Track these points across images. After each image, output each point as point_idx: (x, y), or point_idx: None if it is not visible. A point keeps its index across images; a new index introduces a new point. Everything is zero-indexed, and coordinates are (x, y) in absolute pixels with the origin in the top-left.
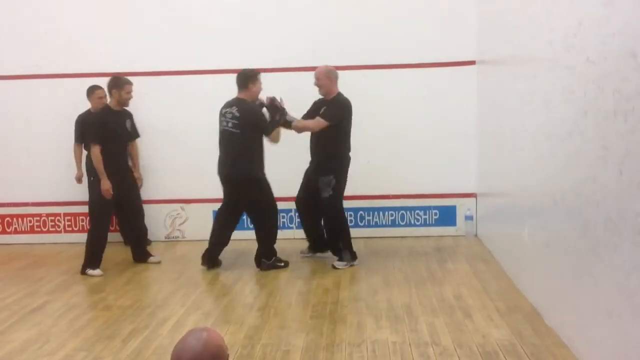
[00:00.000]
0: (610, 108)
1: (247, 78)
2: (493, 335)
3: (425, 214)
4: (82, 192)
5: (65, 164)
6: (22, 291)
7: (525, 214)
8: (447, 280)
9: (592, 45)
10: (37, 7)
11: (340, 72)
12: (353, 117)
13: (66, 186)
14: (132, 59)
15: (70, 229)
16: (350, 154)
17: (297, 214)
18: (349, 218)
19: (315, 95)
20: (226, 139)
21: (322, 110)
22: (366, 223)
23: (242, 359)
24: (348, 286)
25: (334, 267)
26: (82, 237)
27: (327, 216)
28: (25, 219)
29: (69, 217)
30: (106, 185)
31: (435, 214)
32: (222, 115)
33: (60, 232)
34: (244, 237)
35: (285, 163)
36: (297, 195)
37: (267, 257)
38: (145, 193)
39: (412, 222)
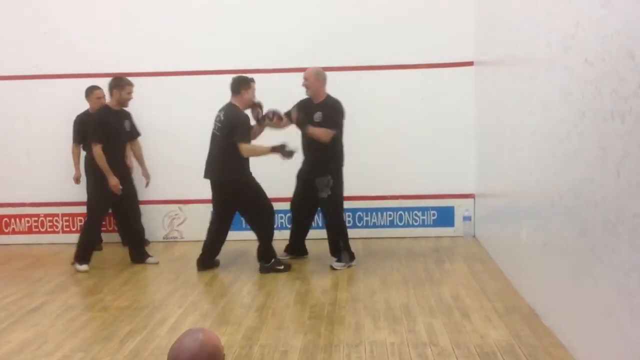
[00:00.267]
0: (608, 109)
1: (240, 84)
2: (491, 335)
3: (423, 215)
4: (80, 192)
5: (64, 165)
6: (20, 292)
7: (523, 214)
8: (445, 280)
9: (590, 46)
10: (37, 7)
11: (339, 73)
12: (351, 117)
13: (65, 187)
14: (132, 59)
15: (68, 229)
16: (349, 154)
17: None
18: (347, 219)
19: None
20: (211, 141)
21: (320, 117)
22: (364, 224)
23: (240, 359)
24: (346, 287)
25: (332, 268)
26: None
27: (327, 216)
28: (23, 219)
29: (67, 218)
30: (114, 181)
31: (434, 215)
32: (214, 118)
33: (58, 232)
34: (243, 238)
35: (281, 163)
36: (292, 198)
37: (266, 260)
38: (144, 193)
39: (410, 222)
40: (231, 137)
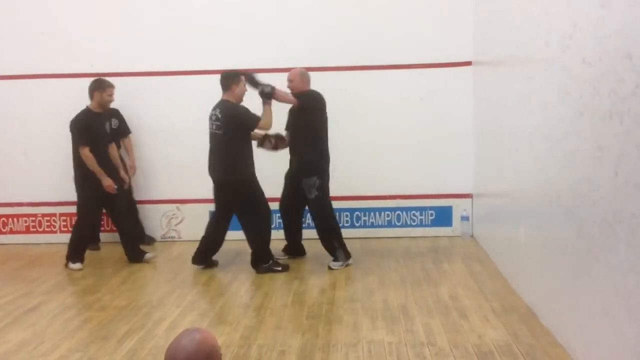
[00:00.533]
0: (606, 109)
1: (230, 79)
2: (489, 335)
3: (421, 215)
4: None
5: (63, 164)
6: (17, 292)
7: (521, 214)
8: (443, 280)
9: (588, 47)
10: (37, 7)
11: (339, 72)
12: (350, 116)
13: (62, 186)
14: (132, 59)
15: (65, 229)
16: (348, 153)
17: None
18: (345, 218)
19: None
20: (213, 141)
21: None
22: (362, 223)
23: (238, 359)
24: (344, 286)
25: (329, 267)
26: None
27: (316, 218)
28: (20, 219)
29: (64, 218)
30: (107, 181)
31: (432, 215)
32: (210, 118)
33: (55, 232)
34: (241, 237)
35: (277, 163)
36: (280, 199)
37: (264, 261)
38: (141, 193)
39: (408, 222)
40: (236, 132)
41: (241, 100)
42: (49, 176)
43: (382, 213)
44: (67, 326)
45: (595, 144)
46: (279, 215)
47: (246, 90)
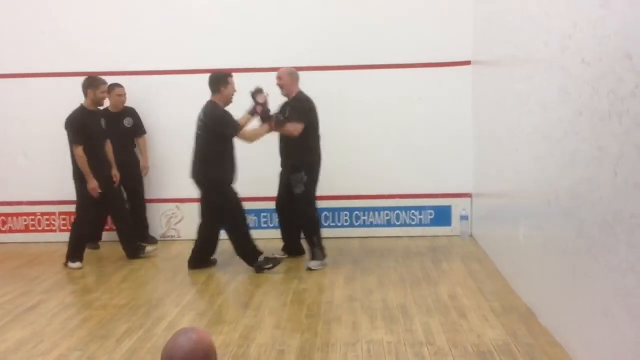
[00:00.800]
0: (606, 109)
1: (219, 81)
2: (488, 335)
3: (420, 214)
4: None
5: (62, 164)
6: (17, 290)
7: (520, 214)
8: (442, 280)
9: (587, 46)
10: (37, 7)
11: (339, 72)
12: (349, 116)
13: (62, 185)
14: (132, 59)
15: (65, 227)
16: (347, 153)
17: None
18: (344, 217)
19: (314, 95)
20: (195, 141)
21: (287, 112)
22: (361, 223)
23: (237, 358)
24: (343, 286)
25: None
26: None
27: (299, 211)
28: (20, 217)
29: (63, 216)
30: (92, 184)
31: (431, 214)
32: (197, 118)
33: (55, 231)
34: None
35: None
36: (276, 198)
37: (251, 261)
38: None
39: (407, 222)
40: (215, 135)
41: (229, 101)
42: (49, 175)
43: (382, 212)
44: (66, 325)
45: (594, 144)
46: (277, 215)
47: (235, 90)
